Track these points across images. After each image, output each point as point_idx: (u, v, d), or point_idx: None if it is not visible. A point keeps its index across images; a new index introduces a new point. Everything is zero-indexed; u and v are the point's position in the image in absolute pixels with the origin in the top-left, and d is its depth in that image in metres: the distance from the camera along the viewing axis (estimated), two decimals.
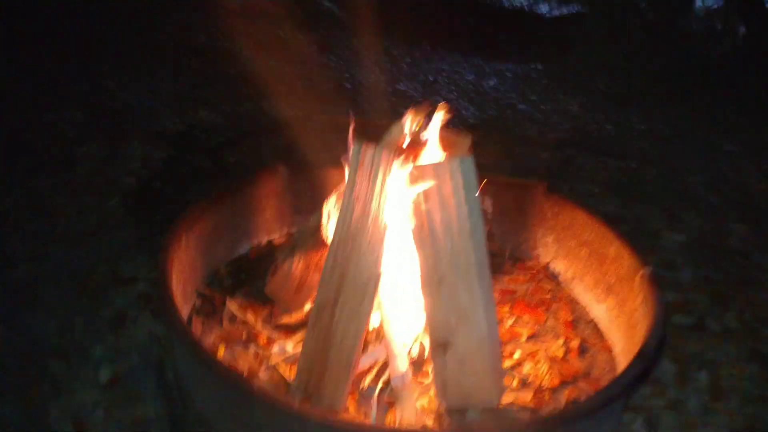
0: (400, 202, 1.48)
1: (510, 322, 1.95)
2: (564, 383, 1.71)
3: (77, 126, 3.03)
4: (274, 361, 1.72)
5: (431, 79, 4.41)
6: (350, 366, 1.50)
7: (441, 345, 1.49)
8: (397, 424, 1.53)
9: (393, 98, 3.83)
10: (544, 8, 6.29)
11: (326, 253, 1.54)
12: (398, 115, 1.52)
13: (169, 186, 2.41)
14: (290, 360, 1.71)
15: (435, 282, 1.46)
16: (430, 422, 1.55)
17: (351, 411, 1.56)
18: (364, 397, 1.62)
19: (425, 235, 1.44)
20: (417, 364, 1.70)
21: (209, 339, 1.73)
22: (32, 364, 1.67)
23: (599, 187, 2.78)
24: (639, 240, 1.84)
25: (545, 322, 1.96)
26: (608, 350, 1.85)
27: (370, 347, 1.73)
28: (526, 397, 1.67)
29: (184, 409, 1.60)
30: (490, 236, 2.20)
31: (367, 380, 1.64)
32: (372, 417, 1.54)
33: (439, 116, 1.54)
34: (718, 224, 2.56)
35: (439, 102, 1.53)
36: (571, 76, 4.50)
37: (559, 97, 4.11)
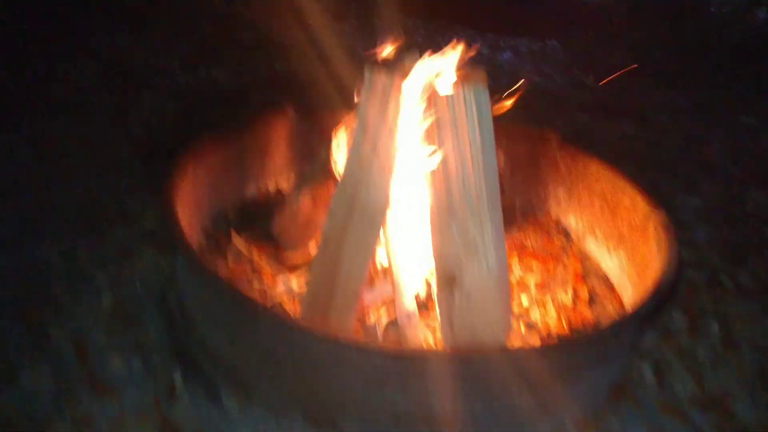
0: (413, 131, 1.45)
1: (519, 271, 1.92)
2: (572, 331, 1.68)
3: (91, 77, 3.02)
4: (278, 296, 1.70)
5: None
6: (356, 296, 1.48)
7: (448, 279, 1.46)
8: None
9: None
10: None
11: (335, 185, 1.52)
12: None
13: (180, 135, 2.39)
14: (295, 295, 1.69)
15: (444, 214, 1.42)
16: None
17: None
18: (369, 333, 1.60)
19: (437, 166, 1.41)
20: (424, 303, 1.67)
21: None
22: (35, 287, 1.66)
23: (615, 153, 2.73)
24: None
25: (555, 273, 1.93)
26: (618, 301, 1.82)
27: (377, 283, 1.71)
28: (534, 341, 1.65)
29: (186, 333, 1.58)
30: (501, 190, 2.17)
31: (373, 317, 1.62)
32: None
33: (457, 50, 1.50)
34: (735, 191, 2.51)
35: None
36: (588, 53, 4.44)
37: (575, 72, 4.05)
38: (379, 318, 1.61)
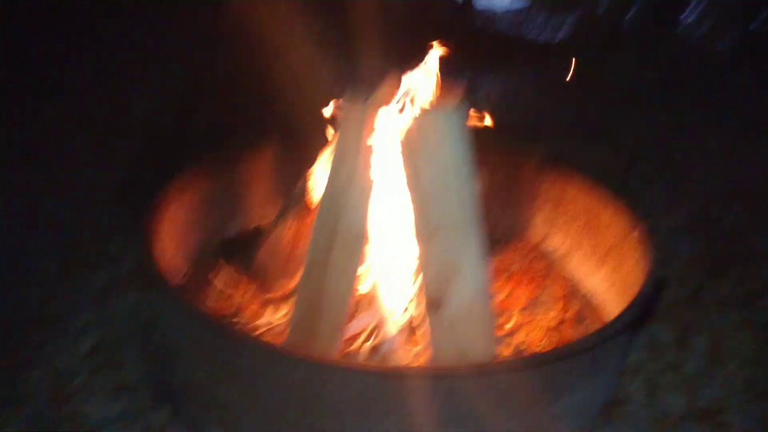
0: (391, 156, 1.47)
1: (503, 295, 1.92)
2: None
3: (69, 122, 3.01)
4: (262, 329, 1.68)
5: None
6: (341, 323, 1.46)
7: (432, 303, 1.45)
8: None
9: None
10: (532, 32, 6.41)
11: (315, 215, 1.52)
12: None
13: (161, 176, 2.39)
14: (278, 329, 1.68)
15: (426, 237, 1.43)
16: None
17: None
18: (353, 358, 1.58)
19: (415, 189, 1.42)
20: (408, 330, 1.66)
21: None
22: (12, 331, 1.63)
23: (594, 175, 2.77)
24: None
25: (539, 295, 1.93)
26: (602, 321, 1.81)
27: (362, 313, 1.70)
28: None
29: (169, 372, 1.55)
30: (482, 216, 2.18)
31: (357, 343, 1.60)
32: None
33: (432, 67, 1.53)
34: (713, 207, 2.55)
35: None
36: (564, 83, 4.53)
37: (553, 100, 4.13)
38: (363, 344, 1.59)
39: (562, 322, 1.80)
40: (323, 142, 1.73)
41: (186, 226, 1.86)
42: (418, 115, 1.42)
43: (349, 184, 1.44)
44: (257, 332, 1.67)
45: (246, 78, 3.55)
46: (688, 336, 1.77)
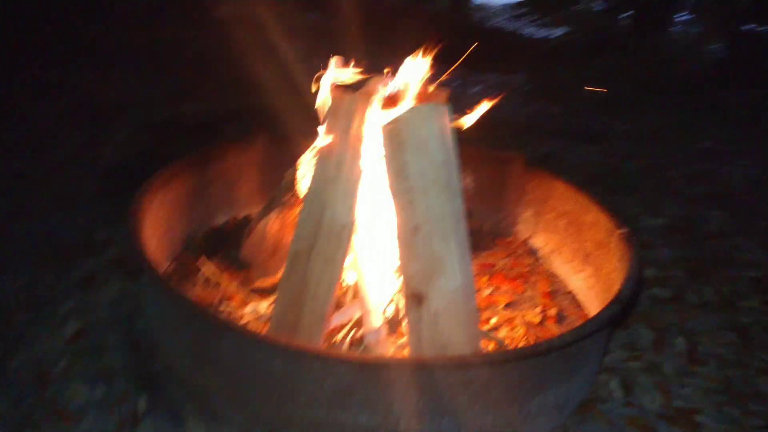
0: (376, 150, 1.48)
1: (488, 291, 1.93)
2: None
3: (60, 112, 3.02)
4: (246, 320, 1.69)
5: None
6: (324, 316, 1.47)
7: (415, 297, 1.45)
8: None
9: None
10: (527, 31, 6.45)
11: (301, 205, 1.53)
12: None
13: (150, 166, 2.39)
14: (263, 319, 1.68)
15: (409, 231, 1.43)
16: None
17: None
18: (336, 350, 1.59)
19: (400, 183, 1.42)
20: (392, 324, 1.67)
21: None
22: None
23: (581, 178, 2.79)
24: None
25: (523, 292, 1.95)
26: (585, 319, 1.83)
27: (346, 305, 1.71)
28: None
29: (151, 358, 1.56)
30: (468, 213, 2.20)
31: (340, 336, 1.62)
32: None
33: (423, 62, 1.54)
34: (697, 211, 2.57)
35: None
36: (554, 85, 4.56)
37: (542, 102, 4.16)
38: (346, 336, 1.60)
39: (545, 318, 1.82)
40: (312, 133, 1.74)
41: (173, 216, 1.87)
42: (407, 108, 1.42)
43: (336, 174, 1.45)
44: (242, 321, 1.68)
45: (235, 68, 3.56)
46: (668, 336, 1.79)
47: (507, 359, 1.33)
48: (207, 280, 1.82)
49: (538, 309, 1.85)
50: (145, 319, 1.64)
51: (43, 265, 1.85)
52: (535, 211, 2.11)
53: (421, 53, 1.53)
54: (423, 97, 1.55)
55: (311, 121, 1.63)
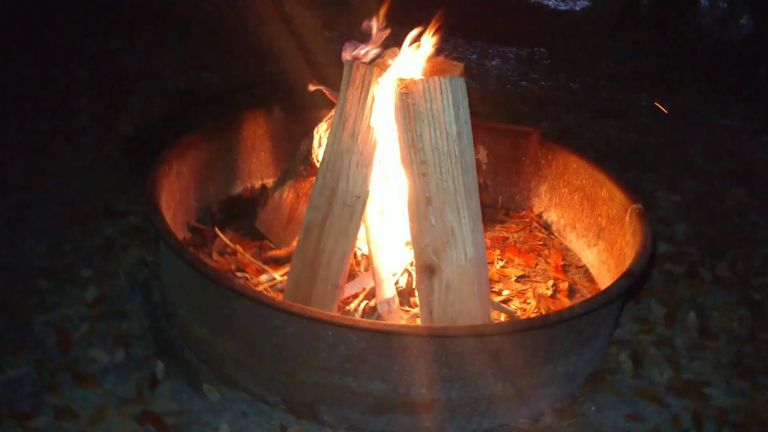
0: (391, 121, 1.48)
1: (500, 264, 1.95)
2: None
3: (81, 81, 3.04)
4: (261, 287, 1.72)
5: None
6: (337, 285, 1.50)
7: (427, 268, 1.47)
8: None
9: None
10: (549, 3, 6.34)
11: (316, 175, 1.54)
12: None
13: (167, 134, 2.42)
14: (277, 288, 1.71)
15: (422, 203, 1.44)
16: None
17: None
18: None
19: (414, 155, 1.43)
20: (404, 294, 1.69)
21: None
22: (19, 280, 1.68)
23: (597, 153, 2.77)
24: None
25: (536, 266, 1.96)
26: (597, 292, 1.84)
27: (359, 275, 1.73)
28: None
29: (169, 324, 1.60)
30: (483, 187, 2.20)
31: (353, 305, 1.64)
32: None
33: (439, 33, 1.53)
34: (715, 188, 2.55)
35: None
36: (575, 60, 4.50)
37: (562, 77, 4.10)
38: (358, 306, 1.63)
39: (557, 291, 1.83)
40: (328, 103, 1.74)
41: (190, 185, 1.89)
42: (422, 80, 1.42)
43: (351, 145, 1.46)
44: (258, 288, 1.71)
45: (253, 39, 3.56)
46: (680, 311, 1.79)
47: (517, 329, 1.35)
48: (223, 249, 1.85)
49: (550, 282, 1.86)
50: (162, 285, 1.67)
51: (64, 232, 1.89)
52: (549, 185, 2.11)
53: (436, 25, 1.52)
54: (438, 69, 1.55)
55: (327, 84, 1.65)
